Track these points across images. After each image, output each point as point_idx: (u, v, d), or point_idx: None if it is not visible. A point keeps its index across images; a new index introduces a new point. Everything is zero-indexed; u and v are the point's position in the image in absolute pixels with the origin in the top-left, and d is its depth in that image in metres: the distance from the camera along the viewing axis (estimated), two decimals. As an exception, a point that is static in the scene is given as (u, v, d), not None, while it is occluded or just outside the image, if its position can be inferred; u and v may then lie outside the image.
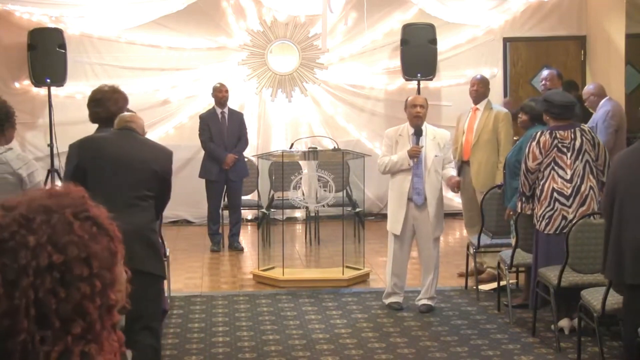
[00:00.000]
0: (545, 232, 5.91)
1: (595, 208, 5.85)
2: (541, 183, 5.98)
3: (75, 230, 1.40)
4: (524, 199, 6.10)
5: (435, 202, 6.63)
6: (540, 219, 5.94)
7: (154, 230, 4.67)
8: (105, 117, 5.11)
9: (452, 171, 6.78)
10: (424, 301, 6.73)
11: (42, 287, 1.35)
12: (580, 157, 5.92)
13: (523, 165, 6.04)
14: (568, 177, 5.90)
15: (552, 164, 5.93)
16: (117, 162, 4.57)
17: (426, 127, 6.70)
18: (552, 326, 5.95)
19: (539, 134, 6.00)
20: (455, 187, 6.77)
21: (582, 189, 5.90)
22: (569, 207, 5.87)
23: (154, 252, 4.59)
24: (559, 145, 5.92)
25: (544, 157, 5.94)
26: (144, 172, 4.59)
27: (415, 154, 6.55)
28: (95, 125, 5.31)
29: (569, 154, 5.92)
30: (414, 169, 6.60)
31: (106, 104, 5.12)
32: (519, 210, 6.16)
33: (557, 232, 5.82)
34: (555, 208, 5.90)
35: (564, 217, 5.83)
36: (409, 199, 6.62)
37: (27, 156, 5.01)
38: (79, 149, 4.75)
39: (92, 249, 1.40)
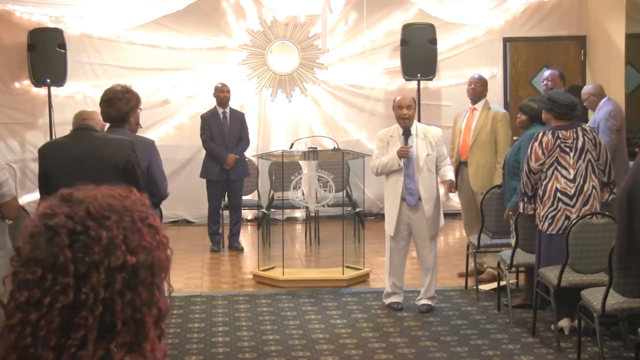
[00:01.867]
0: (548, 232, 5.90)
1: (598, 208, 5.85)
2: (544, 183, 5.97)
3: (145, 236, 1.39)
4: (525, 199, 6.09)
5: (431, 201, 6.62)
6: (543, 219, 5.94)
7: None
8: (116, 116, 5.10)
9: (448, 171, 6.71)
10: (424, 301, 6.73)
11: (112, 287, 1.34)
12: (582, 157, 5.92)
13: (525, 166, 6.03)
14: (571, 176, 5.90)
15: (555, 164, 5.92)
16: (76, 164, 4.52)
17: (417, 126, 6.69)
18: (552, 326, 5.95)
19: (541, 134, 6.00)
20: (448, 191, 6.76)
21: (585, 188, 5.90)
22: (572, 207, 5.87)
23: None
24: (562, 145, 5.92)
25: (546, 157, 5.93)
26: (106, 170, 4.51)
27: (403, 154, 6.56)
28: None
29: (571, 154, 5.91)
30: (405, 170, 6.59)
31: (117, 104, 5.11)
32: (521, 211, 6.15)
33: (560, 232, 5.81)
34: (559, 208, 5.89)
35: (567, 217, 5.83)
36: (403, 200, 6.63)
37: None
38: (40, 156, 4.78)
39: (156, 257, 1.40)
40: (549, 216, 5.91)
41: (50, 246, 1.34)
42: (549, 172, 5.94)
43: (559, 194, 5.90)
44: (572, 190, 5.89)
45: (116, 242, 1.35)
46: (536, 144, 5.96)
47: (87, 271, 1.33)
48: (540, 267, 5.92)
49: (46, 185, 4.60)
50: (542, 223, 5.95)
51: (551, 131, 5.96)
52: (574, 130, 5.96)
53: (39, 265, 1.33)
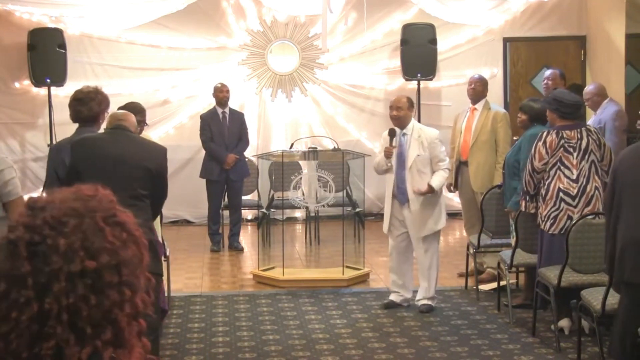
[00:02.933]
0: (550, 232, 5.90)
1: (600, 208, 5.83)
2: (547, 183, 5.97)
3: (107, 237, 1.38)
4: (527, 197, 6.10)
5: (419, 201, 6.58)
6: (545, 219, 5.94)
7: (151, 228, 4.66)
8: (87, 115, 5.15)
9: (437, 176, 6.55)
10: (424, 301, 6.73)
11: (74, 293, 1.33)
12: (586, 157, 5.92)
13: (529, 165, 6.02)
14: (574, 177, 5.90)
15: (558, 163, 5.92)
16: (110, 162, 4.56)
17: (413, 126, 6.66)
18: (552, 326, 5.95)
19: (545, 133, 5.99)
20: (421, 192, 6.56)
21: (588, 189, 5.90)
22: (575, 207, 5.87)
23: (151, 251, 4.59)
24: (566, 145, 5.92)
25: (550, 156, 5.93)
26: (138, 171, 4.58)
27: (386, 155, 6.62)
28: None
29: (575, 154, 5.91)
30: (396, 169, 6.63)
31: (89, 104, 5.16)
32: (523, 209, 6.15)
33: (562, 232, 5.80)
34: (561, 208, 5.89)
35: (570, 218, 5.82)
36: (394, 198, 6.69)
37: None
38: (73, 150, 4.76)
39: (122, 256, 1.39)
40: (551, 216, 5.91)
41: (12, 259, 1.34)
42: (552, 172, 5.94)
43: (561, 194, 5.90)
44: (575, 191, 5.89)
45: (74, 247, 1.35)
46: (540, 143, 5.96)
47: (48, 281, 1.33)
48: (542, 267, 5.92)
49: (73, 179, 4.57)
50: (544, 223, 5.95)
51: (555, 131, 5.95)
52: (579, 130, 5.95)
53: (3, 279, 1.33)
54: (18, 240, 1.35)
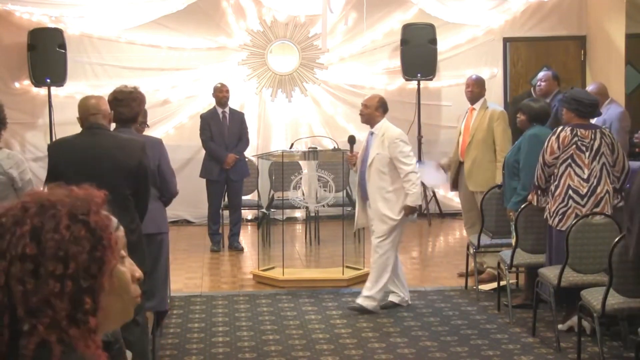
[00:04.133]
0: (558, 228, 5.90)
1: (609, 211, 5.83)
2: (557, 178, 5.98)
3: (60, 229, 1.42)
4: (539, 192, 6.10)
5: (376, 200, 6.55)
6: (554, 215, 5.94)
7: (132, 230, 4.48)
8: (128, 117, 5.05)
9: (407, 193, 6.46)
10: (359, 299, 6.67)
11: (11, 274, 1.40)
12: (597, 159, 5.91)
13: (540, 158, 6.04)
14: (585, 176, 5.90)
15: (569, 160, 5.93)
16: (88, 165, 4.45)
17: (382, 126, 6.62)
18: (559, 326, 5.95)
19: (559, 128, 6.01)
20: (406, 215, 6.54)
21: (598, 190, 5.89)
22: (583, 206, 5.86)
23: (139, 254, 4.54)
24: (578, 143, 5.92)
25: (561, 152, 5.93)
26: (118, 172, 4.47)
27: (348, 162, 6.83)
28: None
29: (587, 153, 5.91)
30: (359, 166, 6.75)
31: (131, 104, 5.06)
32: (535, 203, 6.15)
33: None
34: (569, 205, 5.89)
35: (578, 216, 5.81)
36: (360, 196, 6.79)
37: (16, 154, 4.97)
38: (50, 153, 4.70)
39: (70, 250, 1.42)
40: (560, 212, 5.92)
41: None
42: (562, 168, 5.94)
43: (570, 192, 5.90)
44: (585, 190, 5.89)
45: (21, 232, 1.42)
46: (553, 137, 5.98)
47: None
48: (552, 263, 5.92)
49: (54, 182, 4.55)
50: (552, 219, 5.95)
51: (570, 127, 5.96)
52: (593, 131, 5.96)
53: None
54: None
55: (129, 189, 4.51)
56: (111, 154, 4.52)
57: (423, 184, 9.36)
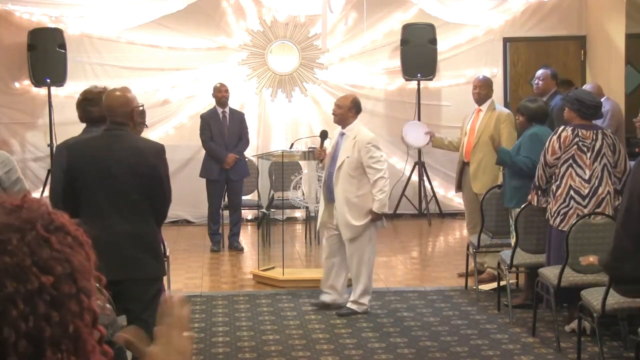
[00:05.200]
0: (560, 228, 5.90)
1: (610, 212, 5.84)
2: (558, 179, 5.98)
3: (54, 245, 1.26)
4: (539, 192, 6.10)
5: (344, 204, 6.49)
6: (555, 215, 5.95)
7: (150, 233, 4.54)
8: (97, 116, 5.05)
9: (374, 198, 6.40)
10: (348, 304, 6.63)
11: (35, 314, 1.21)
12: (599, 159, 5.92)
13: (542, 158, 6.05)
14: (586, 177, 5.91)
15: (571, 160, 5.93)
16: (105, 171, 4.42)
17: (354, 127, 6.56)
18: (566, 327, 5.96)
19: (561, 129, 6.02)
20: (372, 221, 6.47)
21: (600, 191, 5.90)
22: (585, 207, 5.87)
23: (152, 256, 4.55)
24: (580, 143, 5.92)
25: (562, 152, 5.94)
26: (135, 177, 4.44)
27: (316, 156, 6.73)
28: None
29: (588, 154, 5.92)
30: (327, 166, 6.68)
31: (100, 105, 5.05)
32: (535, 204, 6.15)
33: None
34: (571, 206, 5.90)
35: (579, 216, 5.81)
36: (324, 196, 6.73)
37: (4, 153, 4.95)
38: (68, 155, 4.64)
39: (74, 263, 1.27)
40: (561, 212, 5.92)
41: None
42: (563, 169, 5.95)
43: (572, 192, 5.91)
44: (586, 191, 5.90)
45: (25, 265, 1.22)
46: (555, 137, 5.98)
47: (5, 308, 1.20)
48: (552, 263, 5.92)
49: (70, 185, 4.52)
50: (553, 219, 5.95)
51: (572, 128, 5.97)
52: (595, 132, 5.97)
53: None
54: None
55: (142, 193, 4.47)
56: (127, 159, 4.47)
57: (405, 141, 9.41)
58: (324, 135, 6.79)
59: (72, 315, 1.24)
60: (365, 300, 6.62)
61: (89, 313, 1.28)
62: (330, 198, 6.62)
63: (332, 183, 6.55)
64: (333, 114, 6.68)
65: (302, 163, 9.15)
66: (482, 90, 7.70)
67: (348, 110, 6.55)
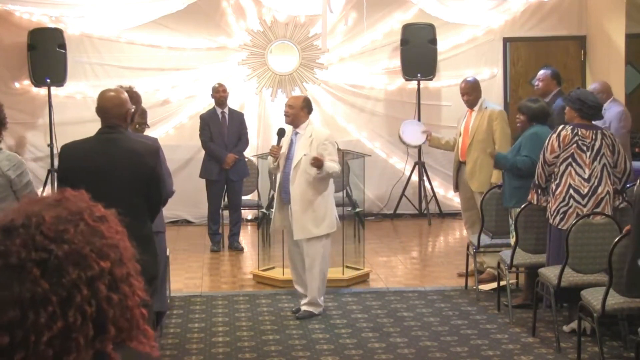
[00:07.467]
0: (559, 227, 5.91)
1: (610, 213, 5.84)
2: (558, 177, 5.98)
3: (105, 233, 1.36)
4: (539, 191, 6.11)
5: (300, 203, 6.47)
6: (555, 214, 5.95)
7: (148, 234, 4.50)
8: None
9: (331, 163, 6.40)
10: (303, 307, 6.58)
11: (96, 298, 1.30)
12: (598, 159, 5.92)
13: (541, 157, 6.06)
14: (586, 176, 5.91)
15: (570, 159, 5.94)
16: (100, 174, 4.35)
17: (307, 127, 6.57)
18: (565, 327, 5.96)
19: (560, 127, 6.03)
20: (312, 162, 6.38)
21: (599, 190, 5.90)
22: (584, 206, 5.87)
23: (150, 256, 4.54)
24: (579, 142, 5.93)
25: (561, 151, 5.95)
26: (133, 181, 4.41)
27: (271, 154, 6.67)
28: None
29: (588, 153, 5.92)
30: (282, 167, 6.61)
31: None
32: (535, 202, 6.15)
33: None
34: (570, 205, 5.90)
35: (579, 215, 5.82)
36: (280, 196, 6.68)
37: (16, 156, 4.93)
38: (60, 158, 4.64)
39: (121, 248, 1.38)
40: (561, 211, 5.93)
41: (21, 283, 1.27)
42: (562, 167, 5.95)
43: (571, 191, 5.91)
44: (586, 190, 5.90)
45: (84, 252, 1.31)
46: (554, 136, 5.99)
47: (69, 293, 1.28)
48: (552, 262, 5.92)
49: (65, 185, 4.50)
50: (553, 217, 5.96)
51: (571, 127, 5.98)
52: (594, 131, 5.97)
53: (15, 306, 1.26)
54: (22, 262, 1.28)
55: (140, 196, 4.44)
56: (123, 162, 4.42)
57: (402, 139, 9.38)
58: (281, 132, 6.75)
59: (126, 296, 1.35)
60: (321, 300, 6.61)
61: (137, 293, 1.38)
62: (285, 199, 6.58)
63: (288, 184, 6.54)
64: (285, 114, 6.65)
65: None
66: (471, 95, 7.70)
67: (300, 109, 6.59)
